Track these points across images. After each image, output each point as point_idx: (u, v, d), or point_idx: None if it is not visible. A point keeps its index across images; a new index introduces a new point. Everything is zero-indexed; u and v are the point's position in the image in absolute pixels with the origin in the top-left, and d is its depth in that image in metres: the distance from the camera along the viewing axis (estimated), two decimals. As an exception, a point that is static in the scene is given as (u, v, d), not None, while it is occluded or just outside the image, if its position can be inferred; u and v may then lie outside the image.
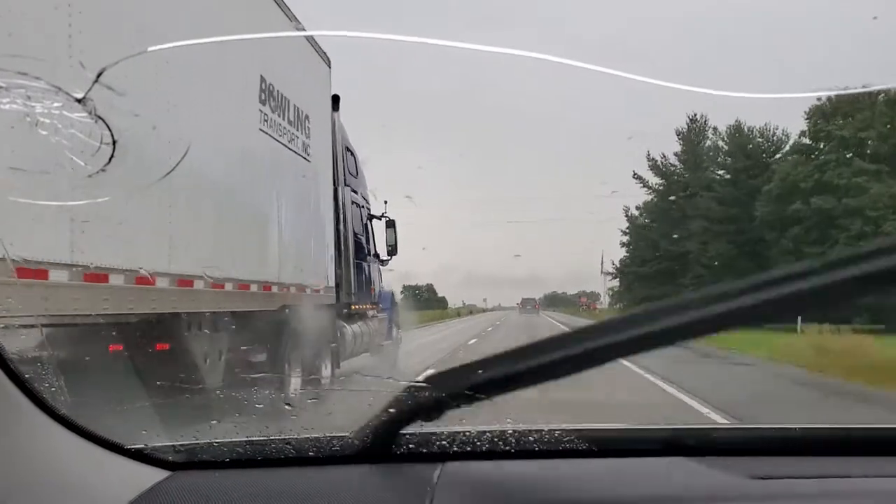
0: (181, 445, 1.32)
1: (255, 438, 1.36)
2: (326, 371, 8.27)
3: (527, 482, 1.25)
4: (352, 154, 9.99)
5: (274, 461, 1.31)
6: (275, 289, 6.91)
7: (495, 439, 1.33)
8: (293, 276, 7.35)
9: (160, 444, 1.32)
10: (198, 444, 1.34)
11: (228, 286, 5.91)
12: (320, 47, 8.59)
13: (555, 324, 36.52)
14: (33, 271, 3.69)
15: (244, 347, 6.19)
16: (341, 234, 9.13)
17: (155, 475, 1.23)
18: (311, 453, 1.31)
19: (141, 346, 4.78)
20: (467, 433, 1.33)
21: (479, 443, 1.33)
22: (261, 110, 6.68)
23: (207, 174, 5.59)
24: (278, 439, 1.34)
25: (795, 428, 1.52)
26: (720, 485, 1.23)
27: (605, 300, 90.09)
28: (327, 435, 1.36)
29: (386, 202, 11.39)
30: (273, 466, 1.30)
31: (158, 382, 4.11)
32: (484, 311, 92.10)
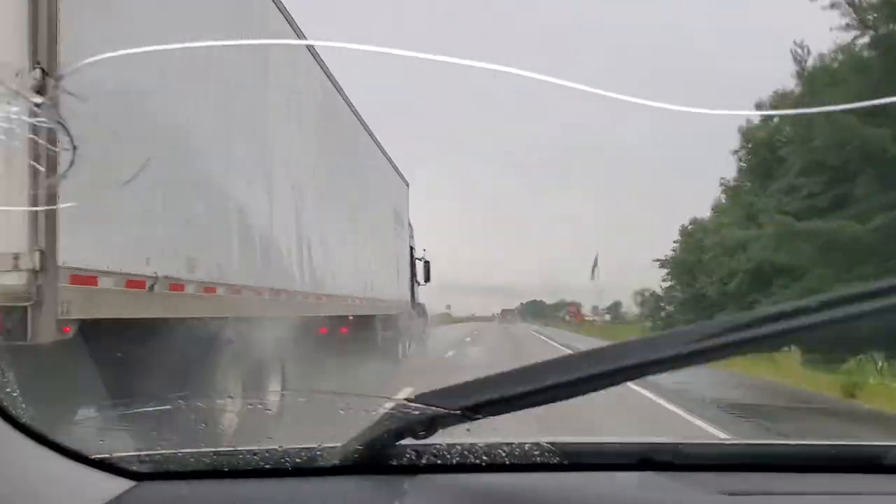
0: (147, 455, 1.29)
1: (222, 449, 1.35)
2: (406, 348, 15.39)
3: (496, 496, 1.25)
4: (410, 225, 16.68)
5: (241, 472, 1.29)
6: (397, 302, 14.09)
7: (465, 452, 1.31)
8: (400, 296, 14.75)
9: (125, 454, 1.29)
10: (164, 453, 1.31)
11: (383, 304, 12.52)
12: (403, 176, 15.68)
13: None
14: (316, 296, 8.16)
15: (384, 330, 12.76)
16: (410, 273, 16.36)
17: (119, 485, 1.20)
18: (278, 465, 1.29)
19: (335, 330, 9.38)
20: (437, 446, 1.31)
21: (448, 455, 1.31)
22: (393, 226, 14.11)
23: (379, 261, 12.37)
24: (245, 450, 1.33)
25: (768, 444, 1.52)
26: (691, 501, 1.22)
27: (589, 308, 78.24)
28: (295, 447, 1.34)
29: (425, 250, 18.81)
30: (240, 478, 1.29)
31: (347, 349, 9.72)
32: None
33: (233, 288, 5.62)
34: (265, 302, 6.32)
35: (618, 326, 53.43)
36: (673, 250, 41.71)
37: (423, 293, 18.98)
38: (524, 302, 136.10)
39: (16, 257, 3.30)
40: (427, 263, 18.73)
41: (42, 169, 2.77)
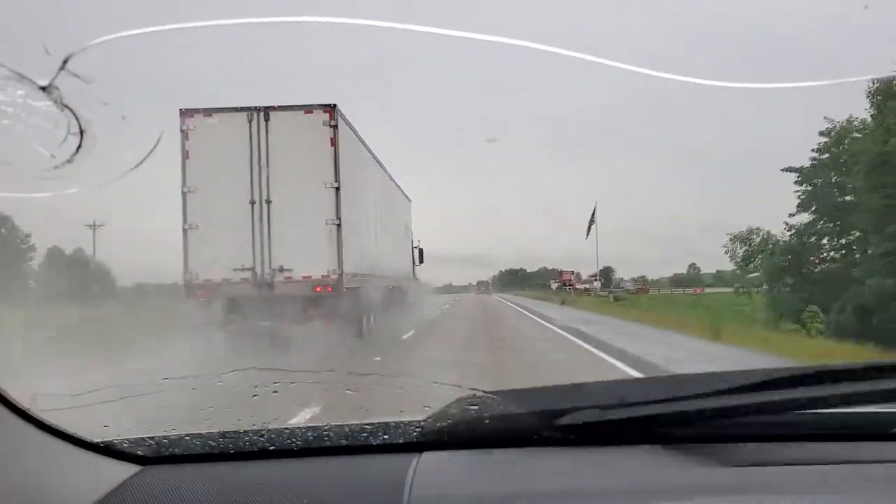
0: (151, 439, 1.29)
1: (227, 430, 1.33)
2: (412, 302, 24.62)
3: (506, 472, 1.23)
4: (410, 227, 25.19)
5: (248, 454, 1.28)
6: (406, 277, 23.73)
7: (473, 428, 1.31)
8: (408, 274, 24.26)
9: (129, 438, 1.28)
10: (169, 437, 1.30)
11: (389, 278, 19.15)
12: (408, 195, 24.69)
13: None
14: (381, 277, 17.84)
15: (403, 297, 22.25)
16: (412, 258, 24.87)
17: (125, 471, 1.20)
18: (285, 445, 1.29)
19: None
20: (444, 422, 1.32)
21: (455, 431, 1.30)
22: (405, 231, 23.83)
23: (396, 253, 21.03)
24: (252, 431, 1.32)
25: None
26: (700, 474, 1.20)
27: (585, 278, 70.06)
28: (301, 426, 1.34)
29: (419, 241, 26.81)
30: (247, 459, 1.28)
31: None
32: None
33: (366, 275, 14.69)
34: (373, 280, 15.36)
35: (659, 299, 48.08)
36: (819, 149, 26.07)
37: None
38: (503, 270, 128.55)
39: (334, 271, 12.37)
40: (421, 251, 27.12)
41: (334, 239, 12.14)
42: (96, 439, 1.23)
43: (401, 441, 1.30)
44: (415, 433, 1.31)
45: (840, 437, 1.33)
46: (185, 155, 12.26)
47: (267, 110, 12.37)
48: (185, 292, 12.39)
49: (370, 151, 16.13)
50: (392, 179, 20.56)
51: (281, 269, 12.31)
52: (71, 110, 0.99)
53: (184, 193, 12.26)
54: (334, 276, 12.34)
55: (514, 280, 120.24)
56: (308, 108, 12.44)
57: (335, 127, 12.41)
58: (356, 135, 14.19)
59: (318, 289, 12.32)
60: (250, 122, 12.36)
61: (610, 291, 55.69)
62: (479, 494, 1.15)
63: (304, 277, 12.33)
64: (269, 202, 12.33)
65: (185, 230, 12.33)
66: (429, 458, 1.25)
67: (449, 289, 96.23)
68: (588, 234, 45.13)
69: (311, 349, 11.45)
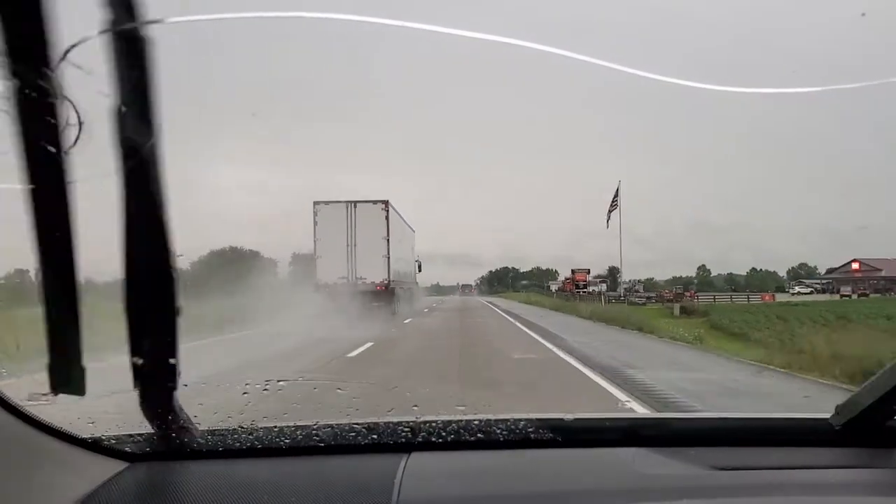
0: (139, 435, 1.29)
1: (216, 428, 1.34)
2: (416, 300, 38.69)
3: (492, 472, 1.27)
4: (414, 248, 37.00)
5: (236, 452, 1.29)
6: (411, 282, 36.31)
7: (461, 430, 1.33)
8: (412, 279, 37.23)
9: (117, 434, 1.29)
10: (157, 433, 1.29)
11: (405, 283, 32.81)
12: (412, 228, 36.59)
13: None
14: (397, 281, 28.99)
15: (408, 292, 33.82)
16: (413, 268, 37.07)
17: (112, 467, 1.20)
18: (273, 444, 1.29)
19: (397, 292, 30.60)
20: (433, 423, 1.33)
21: (444, 433, 1.32)
22: (411, 252, 36.37)
23: (405, 269, 32.86)
24: (240, 429, 1.32)
25: (756, 418, 1.60)
26: (683, 476, 1.23)
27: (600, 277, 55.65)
28: (290, 425, 1.34)
29: (419, 255, 39.21)
30: (235, 457, 1.29)
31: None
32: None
33: (397, 282, 28.52)
34: (399, 284, 29.08)
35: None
36: None
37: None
38: (492, 270, 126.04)
39: (385, 279, 26.21)
40: (420, 263, 39.64)
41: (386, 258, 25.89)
42: (84, 435, 1.22)
43: (390, 441, 1.31)
44: (404, 433, 1.33)
45: (824, 443, 1.35)
46: (315, 223, 25.89)
47: (355, 203, 26.00)
48: (315, 289, 25.92)
49: (400, 215, 29.71)
50: (407, 224, 34.04)
51: (360, 278, 25.89)
52: (70, 101, 0.97)
53: (315, 241, 25.88)
54: (385, 282, 25.92)
55: (504, 281, 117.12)
56: (375, 202, 26.08)
57: (387, 210, 26.06)
58: (395, 211, 27.88)
59: (377, 288, 25.89)
60: (347, 208, 25.97)
61: (675, 299, 40.58)
62: (468, 495, 1.17)
63: (371, 282, 25.90)
64: (355, 245, 25.93)
65: (315, 259, 25.93)
66: (418, 458, 1.27)
67: (436, 289, 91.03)
68: (609, 222, 37.40)
69: (371, 318, 24.65)
